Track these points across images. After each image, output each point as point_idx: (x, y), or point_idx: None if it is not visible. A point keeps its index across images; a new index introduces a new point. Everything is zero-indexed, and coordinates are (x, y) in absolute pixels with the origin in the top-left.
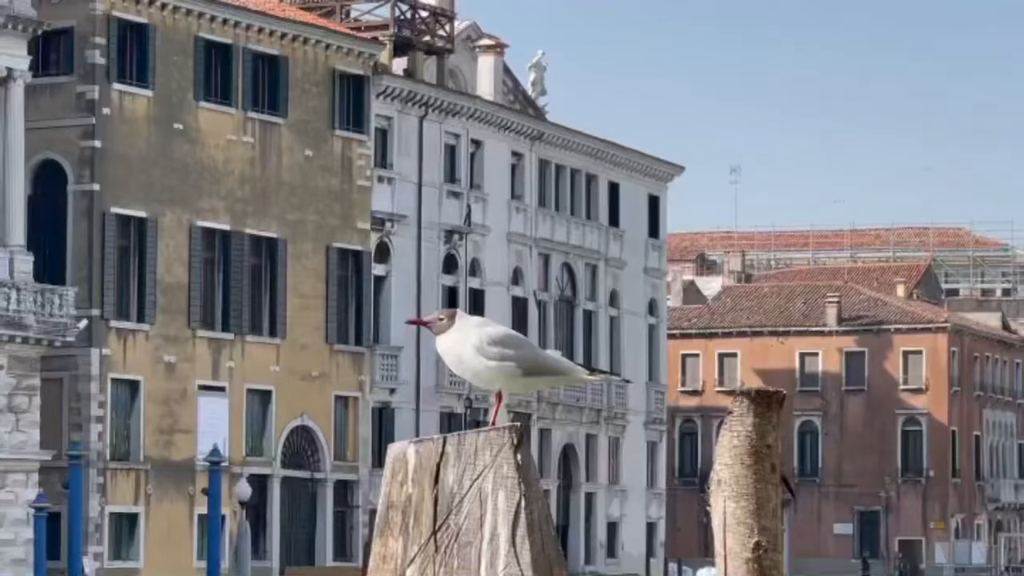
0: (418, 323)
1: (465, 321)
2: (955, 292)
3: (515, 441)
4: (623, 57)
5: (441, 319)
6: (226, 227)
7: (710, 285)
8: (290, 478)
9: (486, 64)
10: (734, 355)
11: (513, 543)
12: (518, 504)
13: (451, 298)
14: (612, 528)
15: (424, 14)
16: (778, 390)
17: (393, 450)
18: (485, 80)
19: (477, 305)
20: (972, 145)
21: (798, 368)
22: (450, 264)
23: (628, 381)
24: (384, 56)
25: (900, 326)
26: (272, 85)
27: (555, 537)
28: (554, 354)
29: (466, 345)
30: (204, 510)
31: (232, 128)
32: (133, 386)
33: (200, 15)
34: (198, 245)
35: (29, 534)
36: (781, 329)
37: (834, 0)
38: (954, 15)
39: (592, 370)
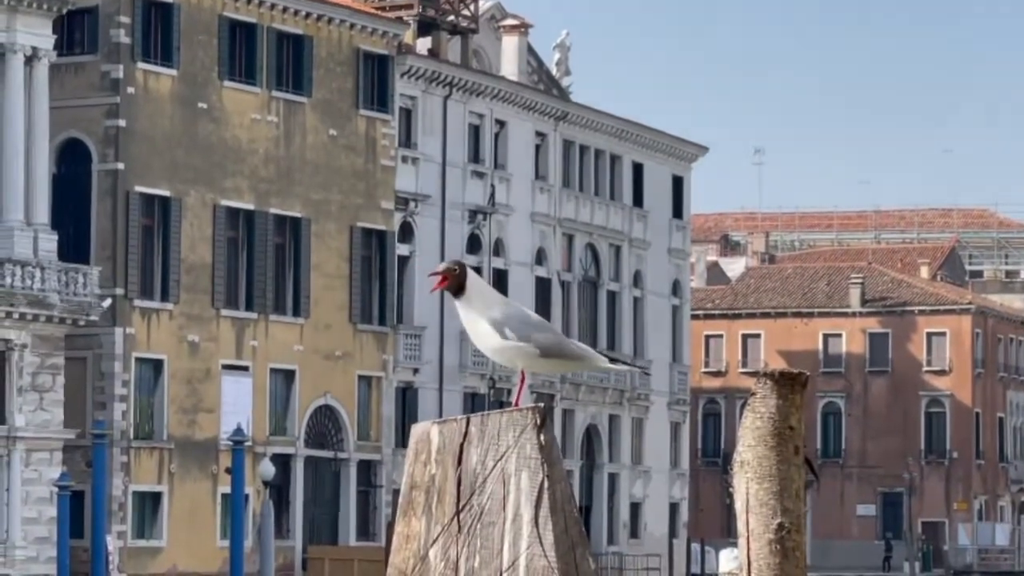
0: (437, 279)
1: (482, 288)
2: (979, 274)
3: (538, 421)
4: (647, 37)
5: (455, 270)
6: (250, 206)
7: (734, 266)
8: (313, 458)
9: (510, 44)
10: (758, 336)
11: (536, 523)
12: (541, 484)
13: None
14: (635, 509)
15: None
16: (801, 372)
17: (417, 430)
18: (509, 60)
19: (501, 285)
20: (997, 126)
21: (822, 349)
22: (474, 244)
23: (648, 373)
24: (408, 36)
25: (924, 307)
26: (296, 64)
27: (578, 518)
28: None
29: (484, 321)
30: (227, 489)
31: (256, 107)
32: (157, 365)
33: None
34: (222, 224)
35: (53, 512)
36: (805, 310)
37: None
38: None
39: (613, 359)
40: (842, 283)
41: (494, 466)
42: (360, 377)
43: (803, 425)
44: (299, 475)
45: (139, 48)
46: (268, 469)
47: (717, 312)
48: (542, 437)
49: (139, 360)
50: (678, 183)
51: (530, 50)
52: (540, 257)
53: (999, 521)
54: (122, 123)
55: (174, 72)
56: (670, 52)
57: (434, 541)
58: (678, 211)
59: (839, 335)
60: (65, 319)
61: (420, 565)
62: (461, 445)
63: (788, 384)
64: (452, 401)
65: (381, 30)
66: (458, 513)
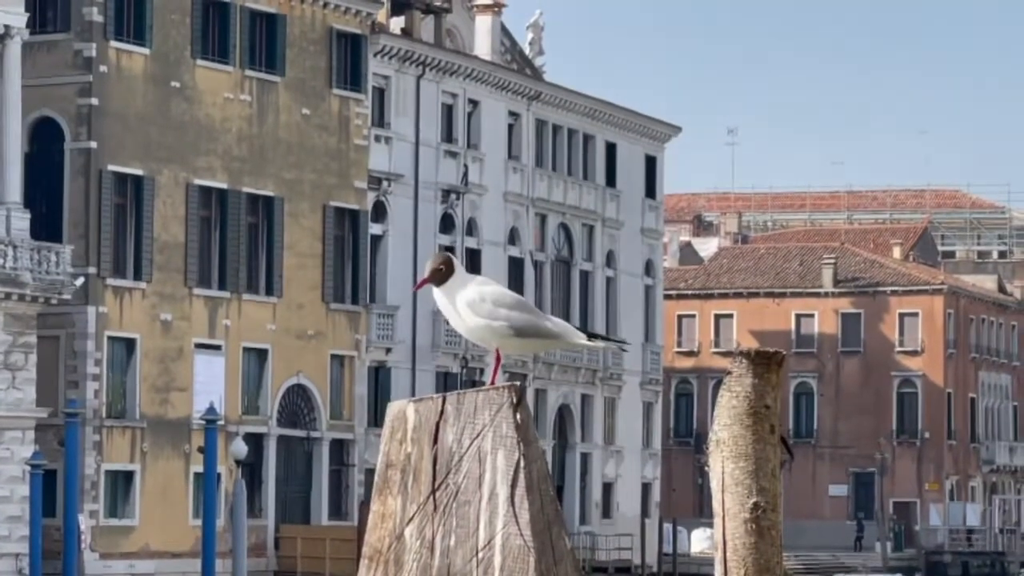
0: (424, 283)
1: (463, 274)
2: (951, 254)
3: (514, 400)
4: (620, 17)
5: (440, 269)
6: (223, 185)
7: (706, 246)
8: (286, 437)
9: (483, 23)
10: (730, 316)
11: (512, 502)
12: (517, 463)
13: None
14: (607, 488)
15: None
16: (777, 351)
17: (392, 408)
18: (482, 40)
19: (473, 265)
20: (969, 107)
21: (794, 329)
22: (447, 223)
23: (625, 350)
24: (382, 15)
25: (896, 288)
26: (270, 43)
27: (554, 497)
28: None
29: (459, 301)
30: (200, 468)
31: (229, 86)
32: (129, 344)
33: None
34: (195, 203)
35: (25, 491)
36: (777, 290)
37: None
38: None
39: (591, 335)
40: (815, 263)
41: (470, 445)
42: (333, 356)
43: (779, 404)
44: (271, 454)
45: (112, 26)
46: (240, 448)
47: (690, 292)
48: (518, 416)
49: (112, 339)
50: (651, 163)
51: (503, 30)
52: (513, 237)
53: (970, 501)
54: (95, 102)
55: (147, 51)
56: (643, 32)
57: (410, 520)
58: (651, 191)
59: (811, 315)
60: (37, 297)
61: (396, 544)
62: (437, 424)
63: (764, 363)
64: (425, 380)
65: (354, 9)
66: (434, 492)
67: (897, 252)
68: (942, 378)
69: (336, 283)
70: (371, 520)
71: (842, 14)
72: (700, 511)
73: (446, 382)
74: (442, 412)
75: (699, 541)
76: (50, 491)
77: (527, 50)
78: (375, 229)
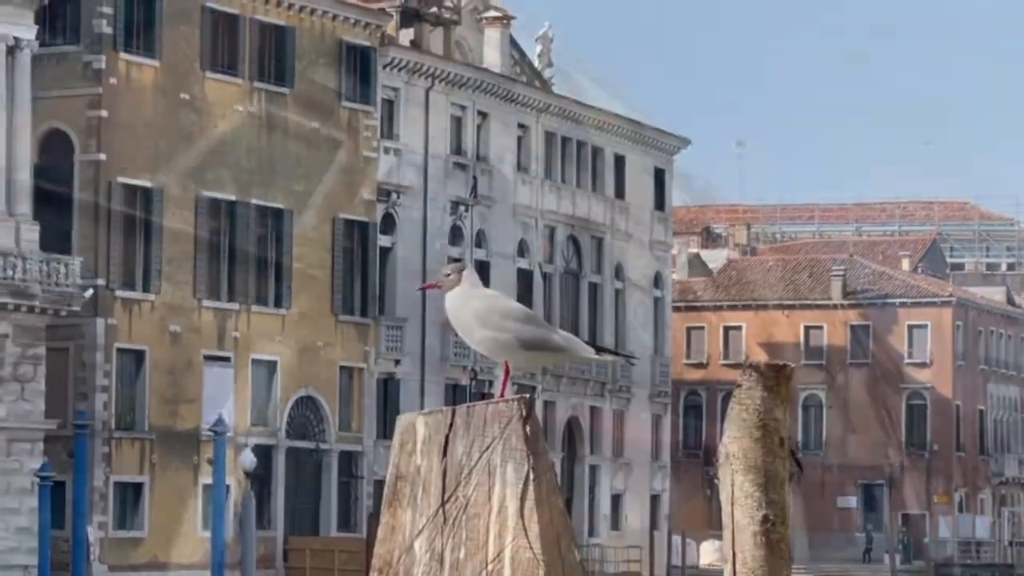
0: (429, 287)
1: (474, 283)
2: (960, 266)
3: (524, 413)
4: (629, 30)
5: (448, 275)
6: (232, 197)
7: (715, 258)
8: (295, 448)
9: (492, 36)
10: (739, 328)
11: (521, 515)
12: (527, 476)
13: None
14: (616, 501)
15: None
16: (786, 364)
17: (402, 421)
18: (492, 52)
19: (483, 277)
20: (978, 119)
21: (803, 341)
22: (456, 235)
23: (633, 364)
24: (391, 27)
25: (905, 300)
26: (279, 56)
27: (563, 509)
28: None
29: (467, 312)
30: (209, 480)
31: (239, 98)
32: (138, 356)
33: None
34: (204, 215)
35: (34, 503)
36: (786, 302)
37: None
38: None
39: (599, 350)
40: (823, 275)
41: (479, 457)
42: (342, 368)
43: (788, 417)
44: (280, 466)
45: (121, 38)
46: (249, 460)
47: (699, 304)
48: (528, 428)
49: (121, 351)
50: (660, 175)
51: (512, 42)
52: (522, 249)
53: (980, 514)
54: (104, 114)
55: (156, 63)
56: (652, 45)
57: (419, 532)
58: (660, 203)
59: (820, 327)
60: (47, 309)
61: (405, 556)
62: (447, 436)
63: (774, 376)
64: (434, 392)
65: (364, 21)
66: (443, 504)
67: (906, 264)
68: (951, 390)
69: (345, 295)
70: (381, 532)
71: (851, 26)
72: (709, 523)
73: (455, 394)
74: (452, 425)
75: (708, 553)
76: (59, 503)
77: (536, 62)
78: (384, 241)
